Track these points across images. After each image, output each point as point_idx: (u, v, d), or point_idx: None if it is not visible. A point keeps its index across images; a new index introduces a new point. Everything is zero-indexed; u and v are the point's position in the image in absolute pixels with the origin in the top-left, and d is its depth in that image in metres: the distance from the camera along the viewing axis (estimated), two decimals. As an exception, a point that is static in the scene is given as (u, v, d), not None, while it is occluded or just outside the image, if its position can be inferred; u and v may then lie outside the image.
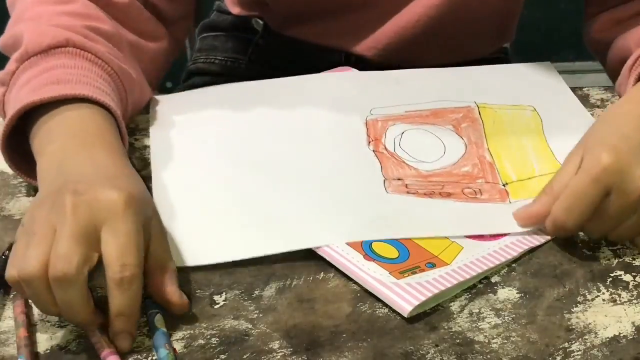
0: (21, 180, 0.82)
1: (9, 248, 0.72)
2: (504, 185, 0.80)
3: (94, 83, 0.80)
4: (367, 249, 0.72)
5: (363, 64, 1.07)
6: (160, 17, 0.96)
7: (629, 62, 0.93)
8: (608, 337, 0.67)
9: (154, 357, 0.64)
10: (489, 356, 0.65)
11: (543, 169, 0.83)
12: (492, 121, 0.89)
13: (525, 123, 0.90)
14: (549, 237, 0.75)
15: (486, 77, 0.99)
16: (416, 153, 0.84)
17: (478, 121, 0.89)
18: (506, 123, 0.90)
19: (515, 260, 0.74)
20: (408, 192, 0.79)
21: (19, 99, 0.78)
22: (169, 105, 0.93)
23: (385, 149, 0.84)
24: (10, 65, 0.82)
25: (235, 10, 1.16)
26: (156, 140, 0.87)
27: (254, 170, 0.82)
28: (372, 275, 0.69)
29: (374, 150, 0.84)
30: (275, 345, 0.65)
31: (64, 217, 0.64)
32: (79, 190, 0.65)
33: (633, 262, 0.74)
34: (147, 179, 0.82)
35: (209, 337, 0.66)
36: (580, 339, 0.67)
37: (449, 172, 0.82)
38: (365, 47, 1.07)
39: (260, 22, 1.14)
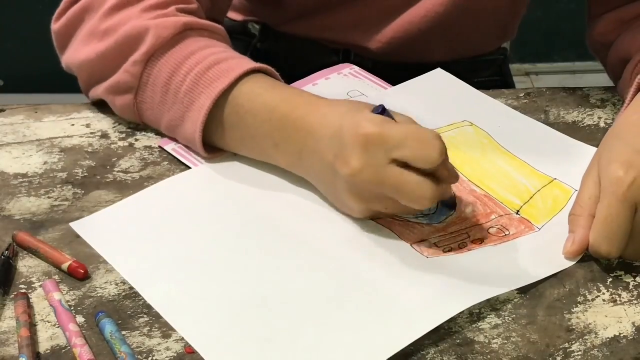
0: (21, 180, 0.82)
1: (9, 248, 0.73)
2: (517, 213, 0.79)
3: (237, 53, 0.85)
4: None
5: (362, 60, 1.07)
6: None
7: (630, 65, 0.93)
8: (608, 337, 0.67)
9: (154, 357, 0.65)
10: (489, 356, 0.65)
11: (534, 184, 0.82)
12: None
13: (476, 140, 0.88)
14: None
15: (397, 101, 0.91)
16: None
17: None
18: (460, 147, 0.86)
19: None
20: (444, 252, 0.74)
21: (186, 91, 0.82)
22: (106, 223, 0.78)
23: (402, 214, 0.78)
24: (130, 69, 0.84)
25: (231, 15, 1.16)
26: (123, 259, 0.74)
27: (263, 280, 0.71)
28: None
29: (372, 219, 0.77)
30: None
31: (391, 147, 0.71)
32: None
33: (633, 262, 0.74)
34: (145, 179, 0.82)
35: None
36: (580, 339, 0.67)
37: (460, 218, 0.78)
38: (369, 40, 1.07)
39: (257, 26, 1.15)
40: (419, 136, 0.71)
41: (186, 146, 0.85)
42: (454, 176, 0.74)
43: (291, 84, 0.95)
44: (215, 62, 0.82)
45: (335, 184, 0.75)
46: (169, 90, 0.83)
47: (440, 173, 0.72)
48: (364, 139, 0.71)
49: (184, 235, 0.75)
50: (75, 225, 0.76)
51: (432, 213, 0.78)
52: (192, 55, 0.83)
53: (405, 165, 0.71)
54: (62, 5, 0.91)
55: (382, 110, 0.74)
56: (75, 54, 0.89)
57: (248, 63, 0.82)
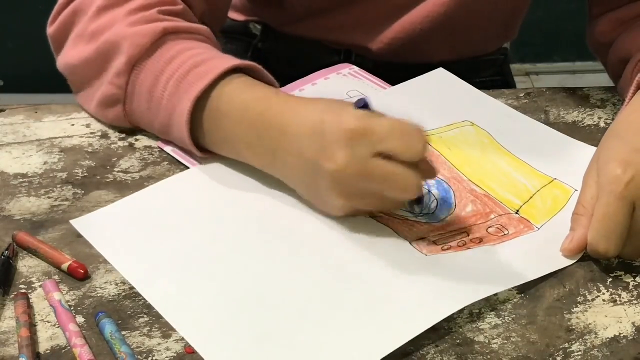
0: (21, 180, 0.82)
1: (9, 248, 0.73)
2: (517, 213, 0.79)
3: (219, 53, 0.85)
4: None
5: (363, 61, 1.07)
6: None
7: (630, 65, 0.93)
8: (608, 338, 0.67)
9: (154, 357, 0.65)
10: (489, 356, 0.65)
11: (534, 184, 0.82)
12: (446, 148, 0.86)
13: (477, 140, 0.88)
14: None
15: (398, 101, 0.93)
16: (409, 206, 0.78)
17: (434, 153, 0.85)
18: (460, 146, 0.87)
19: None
20: (442, 250, 0.74)
21: (168, 97, 0.81)
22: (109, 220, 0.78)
23: (381, 211, 0.78)
24: (115, 81, 0.85)
25: (232, 15, 1.16)
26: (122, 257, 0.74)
27: (262, 279, 0.71)
28: None
29: (372, 217, 0.77)
30: None
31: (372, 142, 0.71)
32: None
33: (633, 262, 0.74)
34: (145, 179, 0.82)
35: None
36: (580, 339, 0.67)
37: (460, 216, 0.78)
38: (371, 40, 1.07)
39: (258, 26, 1.15)
40: (403, 129, 0.72)
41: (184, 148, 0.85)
42: (432, 171, 0.75)
43: (290, 84, 0.95)
44: (194, 64, 0.82)
45: (316, 181, 0.75)
46: (153, 98, 0.83)
47: (422, 166, 0.73)
48: (349, 133, 0.71)
49: (183, 235, 0.76)
50: (75, 223, 0.76)
51: (432, 212, 0.78)
52: (173, 60, 0.83)
53: (388, 157, 0.71)
54: (55, 9, 0.91)
55: (364, 105, 0.74)
56: (65, 56, 0.90)
57: (226, 62, 0.81)
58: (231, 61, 0.82)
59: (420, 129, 0.72)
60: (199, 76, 0.80)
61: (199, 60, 0.82)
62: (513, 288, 0.71)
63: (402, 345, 0.65)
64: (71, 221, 0.76)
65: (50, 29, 0.92)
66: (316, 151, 0.73)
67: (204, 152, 0.83)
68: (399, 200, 0.75)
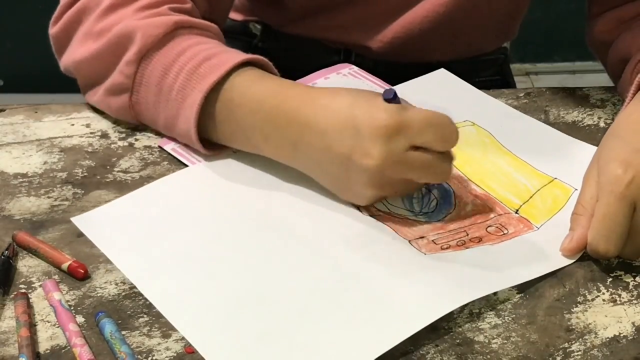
0: (21, 180, 0.82)
1: (9, 248, 0.73)
2: (516, 212, 0.79)
3: (230, 48, 0.85)
4: None
5: (363, 60, 1.07)
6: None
7: (630, 65, 0.93)
8: (608, 337, 0.67)
9: (154, 357, 0.65)
10: (489, 356, 0.65)
11: (534, 184, 0.82)
12: None
13: (478, 140, 0.88)
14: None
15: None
16: (409, 205, 0.79)
17: None
18: (461, 146, 0.84)
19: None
20: (442, 249, 0.74)
21: (179, 89, 0.82)
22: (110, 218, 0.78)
23: (380, 210, 0.78)
24: (124, 70, 0.85)
25: (232, 15, 1.16)
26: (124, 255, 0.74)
27: (260, 274, 0.72)
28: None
29: (372, 216, 0.77)
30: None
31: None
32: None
33: (633, 262, 0.74)
34: (145, 179, 0.82)
35: None
36: (580, 339, 0.67)
37: (460, 216, 0.78)
38: (370, 40, 1.07)
39: (258, 26, 1.15)
40: (436, 121, 0.74)
41: (186, 145, 0.85)
42: (453, 154, 0.78)
43: None
44: (206, 57, 0.82)
45: (346, 175, 0.75)
46: (162, 89, 0.83)
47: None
48: (385, 130, 0.72)
49: (183, 233, 0.76)
50: (75, 221, 0.76)
51: (432, 211, 0.78)
52: (184, 52, 0.83)
53: (421, 148, 0.74)
54: (58, 9, 0.91)
55: (393, 96, 0.74)
56: (72, 55, 0.90)
57: (238, 56, 0.82)
58: (243, 55, 0.82)
59: (451, 120, 0.74)
60: (212, 69, 0.81)
61: (210, 53, 0.82)
62: (513, 288, 0.71)
63: (402, 345, 0.65)
64: (72, 219, 0.76)
65: (52, 29, 0.91)
66: (350, 147, 0.74)
67: (207, 148, 0.83)
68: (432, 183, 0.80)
